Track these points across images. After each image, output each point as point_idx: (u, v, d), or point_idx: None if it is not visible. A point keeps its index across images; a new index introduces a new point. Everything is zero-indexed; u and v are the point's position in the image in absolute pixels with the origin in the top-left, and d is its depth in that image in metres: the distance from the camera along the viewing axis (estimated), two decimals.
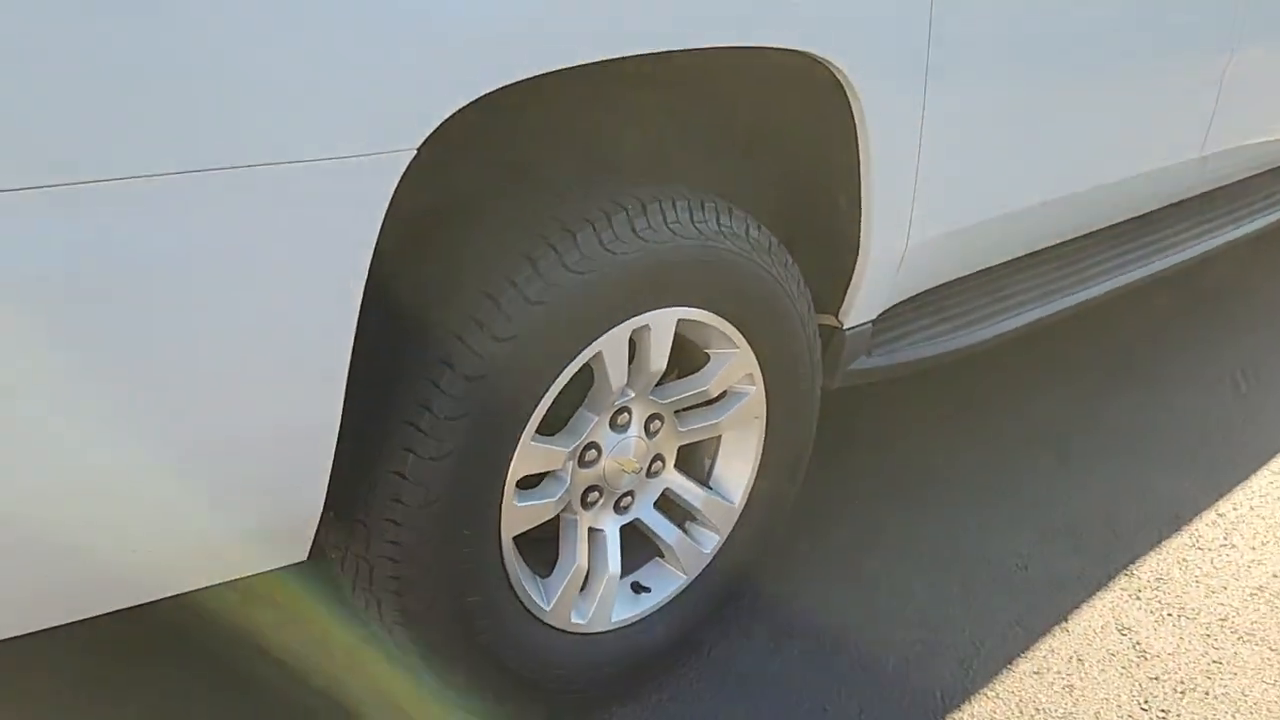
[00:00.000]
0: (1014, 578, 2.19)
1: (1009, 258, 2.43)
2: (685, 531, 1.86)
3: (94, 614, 1.32)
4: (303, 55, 1.15)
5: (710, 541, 1.89)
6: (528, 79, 1.32)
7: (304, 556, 1.45)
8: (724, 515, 1.89)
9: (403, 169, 1.25)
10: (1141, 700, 1.89)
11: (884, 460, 2.58)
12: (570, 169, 1.70)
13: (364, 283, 1.27)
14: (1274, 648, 2.02)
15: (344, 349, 1.29)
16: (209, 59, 1.10)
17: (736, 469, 1.89)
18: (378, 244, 1.25)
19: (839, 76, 1.71)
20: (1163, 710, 1.87)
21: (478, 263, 1.45)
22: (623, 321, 1.57)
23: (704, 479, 1.89)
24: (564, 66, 1.35)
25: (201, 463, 1.26)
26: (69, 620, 1.30)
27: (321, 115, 1.18)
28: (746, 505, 1.90)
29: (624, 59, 1.42)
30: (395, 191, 1.25)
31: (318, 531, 1.40)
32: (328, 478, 1.37)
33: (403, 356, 1.42)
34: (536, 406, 1.52)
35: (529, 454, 1.55)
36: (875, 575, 2.18)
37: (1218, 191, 3.09)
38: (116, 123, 1.07)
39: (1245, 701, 1.88)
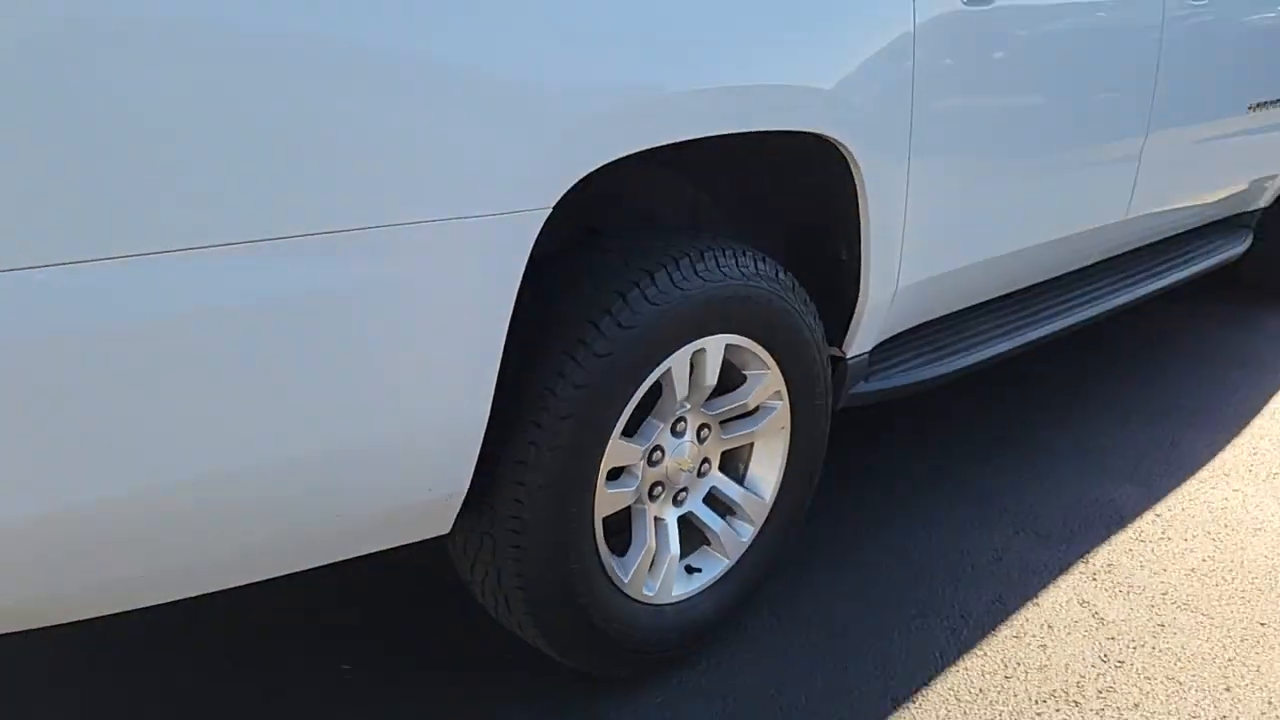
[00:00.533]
0: (991, 567, 2.61)
1: (979, 300, 2.90)
2: (727, 522, 2.27)
3: (306, 567, 1.70)
4: (477, 139, 1.58)
5: (747, 532, 2.30)
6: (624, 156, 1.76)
7: (448, 529, 1.84)
8: (757, 509, 2.30)
9: (542, 221, 1.68)
10: (1101, 655, 2.31)
11: (878, 472, 3.01)
12: (657, 222, 2.13)
13: (511, 309, 1.69)
14: (1206, 614, 2.45)
15: (494, 364, 1.70)
16: (408, 138, 1.52)
17: (767, 471, 2.30)
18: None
19: (844, 152, 2.17)
20: (1119, 661, 2.29)
21: (584, 296, 1.87)
22: (687, 344, 2.00)
23: (741, 479, 2.30)
24: (652, 146, 1.80)
25: (387, 452, 1.65)
26: (295, 569, 1.68)
27: (487, 183, 1.61)
28: (775, 502, 2.31)
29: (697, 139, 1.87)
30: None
31: None
32: (474, 465, 1.77)
33: (529, 369, 1.83)
34: (623, 411, 1.93)
35: (616, 450, 1.96)
36: (874, 566, 2.59)
37: (1143, 249, 3.60)
38: (343, 187, 1.48)
39: (1184, 653, 2.31)
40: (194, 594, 1.61)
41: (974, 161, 2.55)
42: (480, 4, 1.57)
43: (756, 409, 2.24)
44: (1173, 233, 3.67)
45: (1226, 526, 2.81)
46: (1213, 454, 3.20)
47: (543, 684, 2.18)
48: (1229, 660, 2.30)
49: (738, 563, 2.29)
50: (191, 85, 1.33)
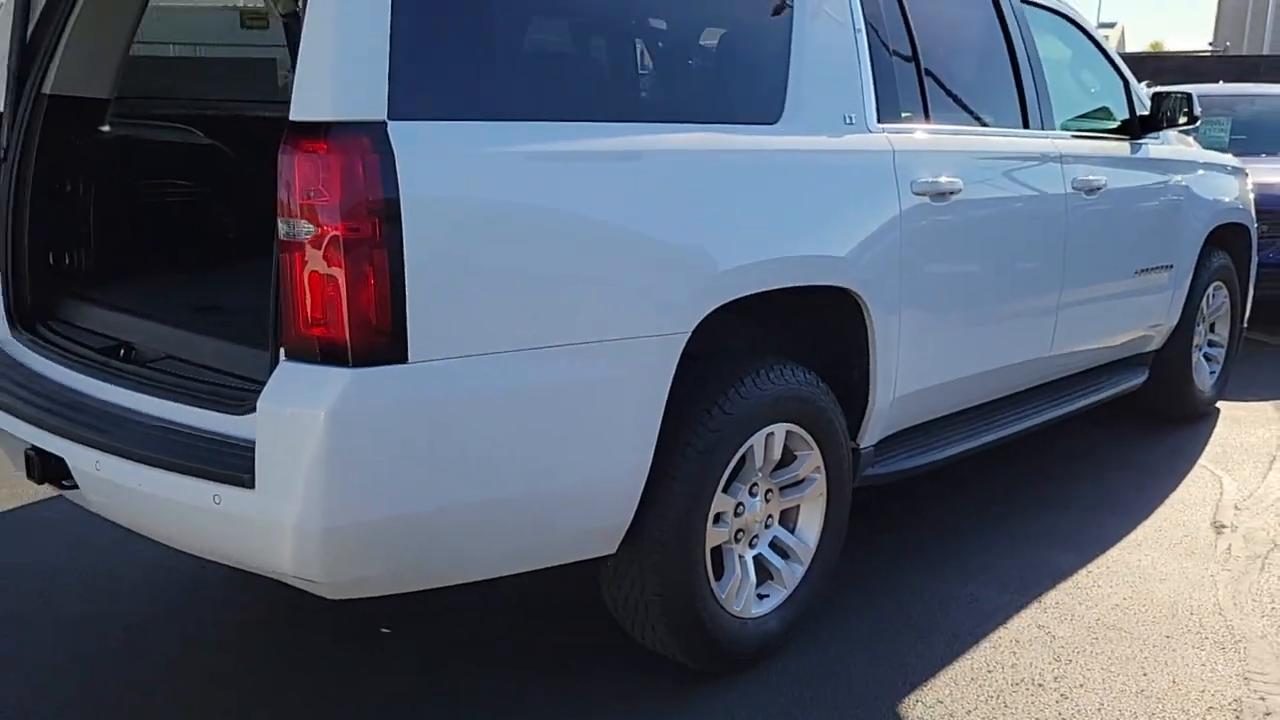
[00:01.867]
0: (969, 605, 3.51)
1: (950, 410, 3.87)
2: (786, 562, 3.16)
3: (538, 567, 2.58)
4: (658, 288, 2.56)
5: (799, 570, 3.19)
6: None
7: (614, 549, 2.72)
8: (805, 553, 3.19)
9: (686, 340, 2.63)
10: (1054, 657, 3.20)
11: (883, 541, 3.91)
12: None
13: (666, 398, 2.63)
14: (1127, 631, 3.36)
15: (654, 434, 2.63)
16: (624, 286, 2.49)
17: (811, 527, 3.21)
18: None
19: (858, 300, 3.17)
20: (1068, 660, 3.18)
21: (705, 392, 2.81)
22: (763, 428, 2.94)
23: (793, 530, 3.20)
24: (750, 293, 2.78)
25: (592, 489, 2.56)
26: (532, 568, 2.55)
27: (659, 314, 2.57)
28: (817, 549, 3.22)
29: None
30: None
31: None
32: (636, 504, 2.67)
33: (671, 439, 2.74)
34: (724, 472, 2.85)
35: (719, 501, 2.87)
36: (881, 602, 3.48)
37: (1068, 378, 4.62)
38: (584, 316, 2.44)
39: (1114, 655, 3.21)
40: (480, 579, 2.49)
41: (942, 309, 3.57)
42: (666, 208, 2.58)
43: (803, 480, 3.16)
44: (1087, 367, 4.71)
45: (1140, 577, 3.75)
46: (1129, 531, 4.15)
47: (663, 682, 3.01)
48: (1145, 659, 3.20)
49: (793, 592, 3.17)
50: (517, 250, 2.31)
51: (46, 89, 3.20)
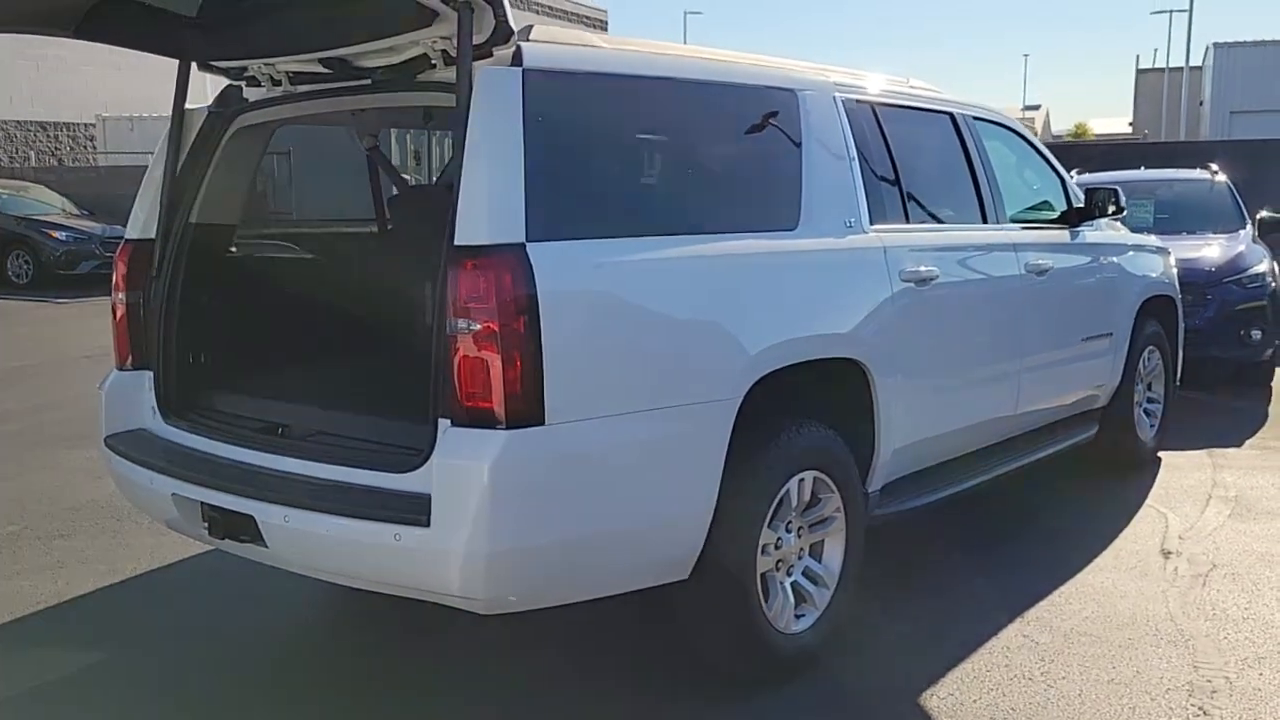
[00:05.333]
0: (963, 621, 4.19)
1: (937, 461, 4.58)
2: (817, 588, 3.82)
3: (633, 589, 3.22)
4: (722, 361, 3.27)
5: (826, 595, 3.85)
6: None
7: (687, 575, 3.38)
8: (831, 579, 3.86)
9: (740, 402, 3.33)
10: (1039, 657, 3.88)
11: (884, 579, 4.58)
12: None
13: (727, 447, 3.31)
14: (1097, 636, 4.05)
15: (719, 478, 3.31)
16: (698, 361, 3.20)
17: (834, 558, 3.88)
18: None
19: (866, 370, 3.90)
20: (1051, 659, 3.86)
21: (753, 443, 3.49)
22: (797, 474, 3.63)
23: (820, 560, 3.87)
24: (781, 366, 3.49)
25: (675, 523, 3.23)
26: (628, 590, 3.20)
27: (723, 382, 3.28)
28: (840, 577, 3.88)
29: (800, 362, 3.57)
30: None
31: None
32: (705, 535, 3.33)
33: (730, 483, 3.41)
34: (769, 510, 3.53)
35: (766, 534, 3.54)
36: (892, 624, 4.14)
37: (1031, 433, 5.36)
38: (669, 385, 3.14)
39: (1087, 654, 3.90)
40: (591, 598, 3.13)
41: (927, 373, 4.30)
42: (725, 297, 3.31)
43: (827, 518, 3.85)
44: (1046, 422, 5.45)
45: (1104, 595, 4.46)
46: (1090, 559, 4.87)
47: (723, 689, 3.64)
48: (1113, 657, 3.89)
49: (823, 612, 3.83)
50: (620, 335, 3.02)
51: (193, 219, 3.88)
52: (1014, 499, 5.67)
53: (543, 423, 2.87)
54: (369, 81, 3.48)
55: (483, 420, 2.85)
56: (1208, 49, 38.89)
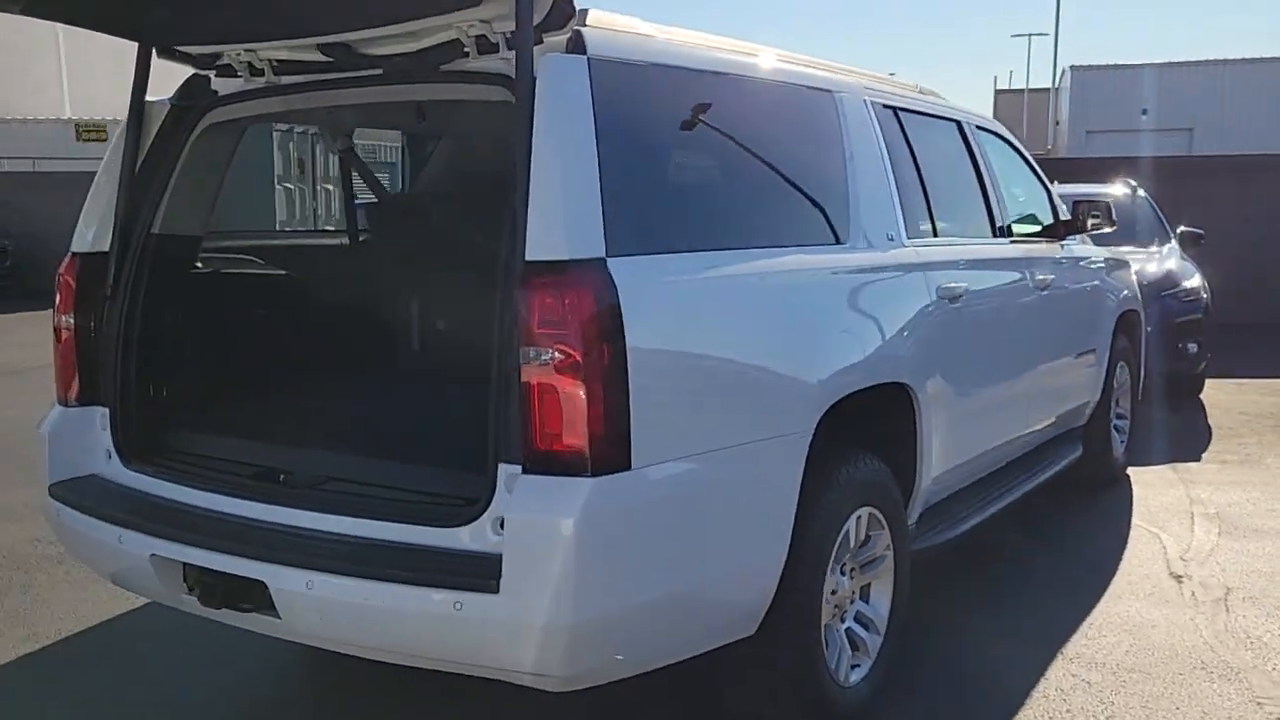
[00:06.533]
0: (1006, 661, 3.92)
1: (959, 487, 4.32)
2: (868, 633, 3.49)
3: (712, 648, 2.83)
4: (790, 398, 2.90)
5: (877, 641, 3.52)
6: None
7: (753, 631, 3.00)
8: (881, 624, 3.53)
9: (813, 434, 2.98)
10: (1097, 699, 3.63)
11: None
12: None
13: (800, 483, 2.95)
14: (1146, 672, 3.83)
15: (792, 518, 2.95)
16: (771, 402, 2.83)
17: (882, 600, 3.56)
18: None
19: (912, 393, 3.59)
20: (1110, 699, 3.61)
21: (818, 479, 3.12)
22: (855, 511, 3.29)
23: (868, 603, 3.54)
24: (843, 396, 3.15)
25: (752, 572, 2.85)
26: (693, 654, 2.80)
27: (793, 416, 2.92)
28: (888, 619, 3.56)
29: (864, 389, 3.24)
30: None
31: None
32: (778, 583, 2.96)
33: (799, 524, 3.05)
34: (832, 552, 3.18)
35: (828, 579, 3.19)
36: (935, 669, 3.85)
37: (1024, 457, 5.16)
38: (750, 426, 2.76)
39: (1146, 690, 3.67)
40: (667, 663, 2.72)
41: (961, 394, 4.03)
42: (794, 314, 2.95)
43: (877, 557, 3.52)
44: (1043, 440, 5.26)
45: (1134, 625, 4.25)
46: (1104, 585, 4.68)
47: None
48: (1171, 695, 3.67)
49: (875, 659, 3.50)
50: (699, 360, 2.63)
51: (156, 229, 3.33)
52: (996, 525, 5.42)
53: (629, 467, 2.46)
54: (379, 72, 3.01)
55: (562, 466, 2.42)
56: (1064, 71, 40.44)
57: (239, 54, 3.18)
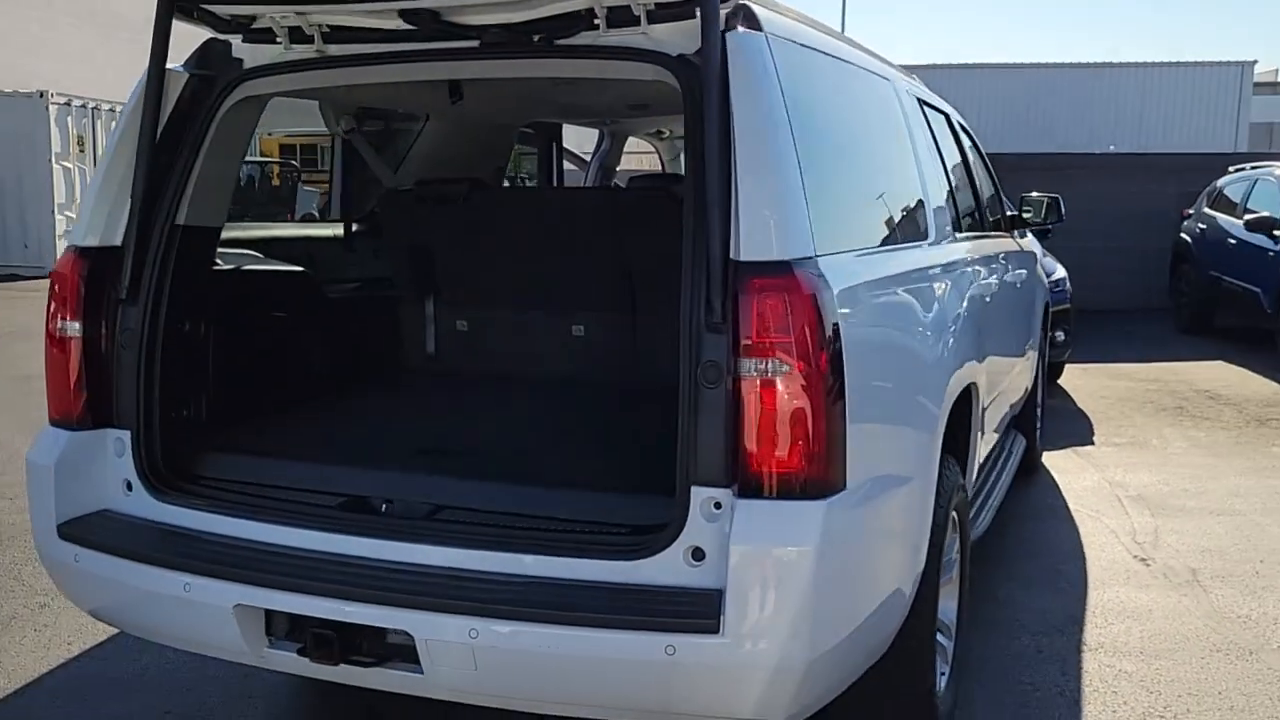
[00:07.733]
0: (1033, 657, 3.93)
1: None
2: (946, 640, 3.40)
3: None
4: (936, 389, 2.75)
5: (950, 647, 3.44)
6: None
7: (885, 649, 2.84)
8: (952, 629, 3.45)
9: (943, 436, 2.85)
10: (1146, 689, 3.67)
11: None
12: None
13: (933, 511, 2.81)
14: (1178, 659, 3.91)
15: (928, 532, 2.80)
16: (923, 389, 2.67)
17: (951, 603, 3.47)
18: None
19: (974, 391, 3.52)
20: (1157, 690, 3.66)
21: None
22: (952, 513, 3.18)
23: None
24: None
25: (899, 595, 2.68)
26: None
27: (932, 421, 2.77)
28: (957, 624, 3.49)
29: None
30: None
31: None
32: (911, 601, 2.81)
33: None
34: (941, 561, 3.07)
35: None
36: (977, 673, 3.81)
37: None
38: (917, 421, 2.60)
39: (1187, 677, 3.74)
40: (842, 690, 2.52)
41: (989, 390, 4.00)
42: (936, 323, 2.79)
43: (949, 561, 3.43)
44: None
45: (1133, 612, 4.35)
46: (1079, 573, 4.79)
47: None
48: (1211, 679, 3.76)
49: (951, 666, 3.42)
50: (890, 363, 2.44)
51: (180, 219, 2.83)
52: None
53: (845, 486, 2.25)
54: (476, 44, 2.64)
55: (785, 488, 2.17)
56: None
57: (284, 16, 2.74)
